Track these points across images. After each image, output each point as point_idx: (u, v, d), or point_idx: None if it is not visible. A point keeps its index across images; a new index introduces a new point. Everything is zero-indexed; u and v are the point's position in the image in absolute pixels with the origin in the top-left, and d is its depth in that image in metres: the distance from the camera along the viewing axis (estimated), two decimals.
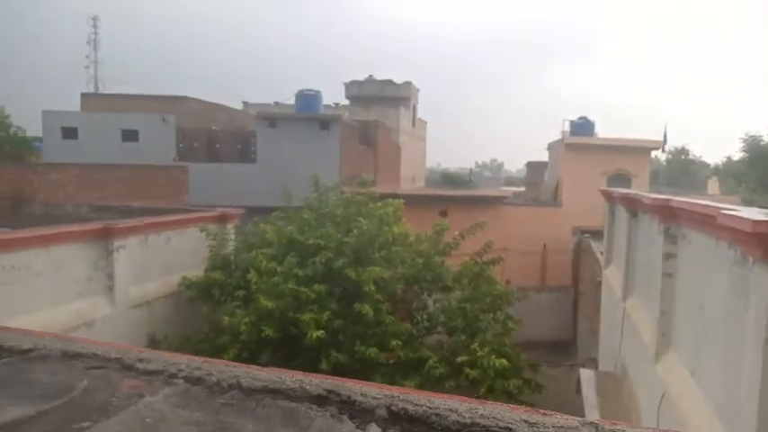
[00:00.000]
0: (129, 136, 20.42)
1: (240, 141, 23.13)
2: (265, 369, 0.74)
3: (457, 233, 10.54)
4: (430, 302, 10.22)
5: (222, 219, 11.28)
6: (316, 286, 8.67)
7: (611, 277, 9.65)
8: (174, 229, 10.04)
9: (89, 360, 0.72)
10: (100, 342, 0.81)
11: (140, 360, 0.72)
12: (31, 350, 0.76)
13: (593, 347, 11.57)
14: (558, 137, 25.15)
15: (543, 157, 28.34)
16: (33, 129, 27.52)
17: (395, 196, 11.50)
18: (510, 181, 65.08)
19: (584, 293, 14.94)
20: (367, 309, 8.55)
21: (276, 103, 32.80)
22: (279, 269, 8.90)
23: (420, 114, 40.17)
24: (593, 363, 10.60)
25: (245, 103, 36.09)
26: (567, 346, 15.99)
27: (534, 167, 31.01)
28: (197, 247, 10.23)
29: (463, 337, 9.35)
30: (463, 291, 10.03)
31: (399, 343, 8.72)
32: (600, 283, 11.20)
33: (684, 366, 4.79)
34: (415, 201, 15.61)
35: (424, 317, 10.12)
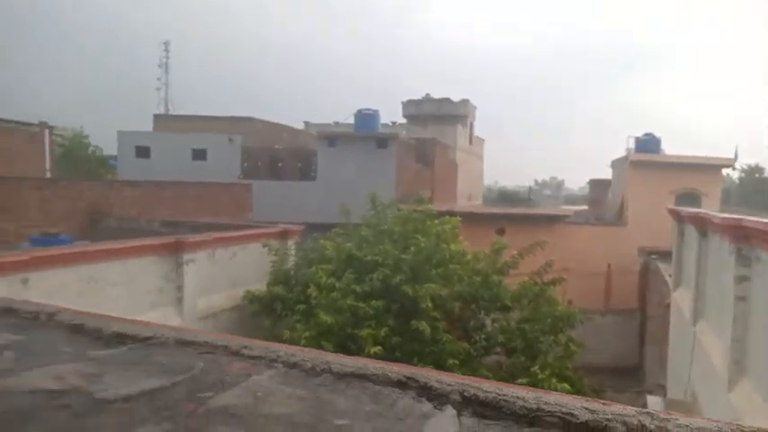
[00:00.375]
0: (199, 155, 21.46)
1: (301, 160, 23.83)
2: (351, 357, 0.83)
3: (515, 252, 10.40)
4: (488, 322, 10.10)
5: (283, 235, 11.61)
6: (373, 302, 8.76)
7: (681, 300, 9.25)
8: (239, 245, 10.44)
9: (200, 347, 0.83)
10: (206, 332, 0.92)
11: (244, 347, 0.82)
12: (151, 338, 0.88)
13: (661, 373, 11.06)
14: (623, 153, 24.43)
15: (606, 174, 27.59)
16: (109, 148, 29.37)
17: (452, 214, 11.50)
18: (571, 199, 63.42)
19: (652, 317, 14.34)
20: (424, 326, 8.55)
21: (336, 123, 33.58)
22: (337, 285, 9.06)
23: (477, 132, 40.05)
24: (661, 389, 10.13)
25: (307, 123, 37.15)
26: (633, 372, 15.33)
27: (597, 185, 30.18)
28: (260, 262, 10.58)
29: (522, 358, 9.17)
30: (522, 311, 9.87)
31: (456, 362, 8.65)
32: (668, 306, 10.74)
33: (760, 395, 4.54)
34: (471, 219, 15.53)
35: (482, 336, 10.00)
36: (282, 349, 0.82)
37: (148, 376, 0.70)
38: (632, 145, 24.27)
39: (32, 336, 0.85)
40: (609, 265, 18.84)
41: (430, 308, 8.77)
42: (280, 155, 24.32)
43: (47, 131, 21.90)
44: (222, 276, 9.82)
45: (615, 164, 25.44)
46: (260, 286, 10.22)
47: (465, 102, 36.76)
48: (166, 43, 53.55)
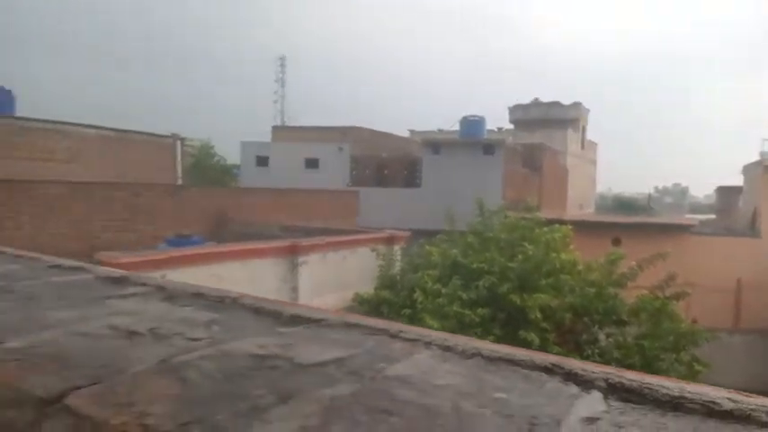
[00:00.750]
0: (311, 164, 22.65)
1: (406, 167, 24.22)
2: (498, 344, 0.92)
3: (634, 263, 9.85)
4: (601, 336, 9.65)
5: (390, 240, 11.89)
6: (479, 310, 8.72)
7: None
8: (349, 248, 10.86)
9: (364, 329, 0.96)
10: (364, 317, 1.06)
11: (401, 331, 0.94)
12: (322, 320, 1.04)
13: None
14: (756, 158, 22.27)
15: (736, 181, 25.25)
16: (232, 157, 31.67)
17: (562, 222, 11.14)
18: (696, 207, 58.50)
19: None
20: (533, 337, 8.36)
21: (440, 130, 33.66)
22: (443, 291, 9.13)
23: (591, 136, 38.31)
24: None
25: (411, 131, 37.55)
26: None
27: (726, 193, 27.70)
28: (368, 265, 10.92)
29: None
30: (640, 326, 9.32)
31: None
32: None
33: None
34: (583, 227, 14.90)
35: (596, 351, 9.55)
36: (434, 334, 0.92)
37: (329, 348, 0.84)
38: (766, 148, 22.06)
39: (225, 314, 1.04)
40: (738, 280, 17.20)
41: (539, 318, 8.57)
42: (386, 162, 24.90)
43: (178, 142, 24.09)
44: (333, 278, 10.27)
45: (747, 169, 23.23)
46: (368, 289, 10.54)
47: (576, 105, 35.34)
48: (282, 59, 56.71)
